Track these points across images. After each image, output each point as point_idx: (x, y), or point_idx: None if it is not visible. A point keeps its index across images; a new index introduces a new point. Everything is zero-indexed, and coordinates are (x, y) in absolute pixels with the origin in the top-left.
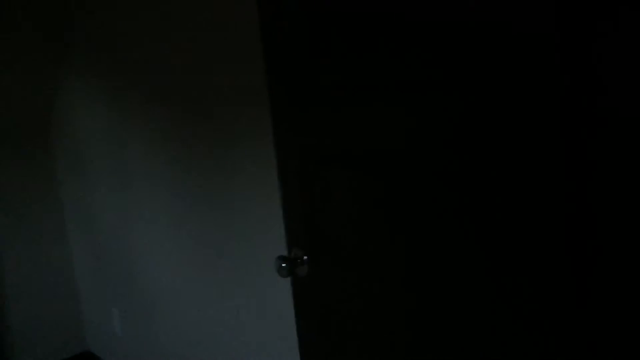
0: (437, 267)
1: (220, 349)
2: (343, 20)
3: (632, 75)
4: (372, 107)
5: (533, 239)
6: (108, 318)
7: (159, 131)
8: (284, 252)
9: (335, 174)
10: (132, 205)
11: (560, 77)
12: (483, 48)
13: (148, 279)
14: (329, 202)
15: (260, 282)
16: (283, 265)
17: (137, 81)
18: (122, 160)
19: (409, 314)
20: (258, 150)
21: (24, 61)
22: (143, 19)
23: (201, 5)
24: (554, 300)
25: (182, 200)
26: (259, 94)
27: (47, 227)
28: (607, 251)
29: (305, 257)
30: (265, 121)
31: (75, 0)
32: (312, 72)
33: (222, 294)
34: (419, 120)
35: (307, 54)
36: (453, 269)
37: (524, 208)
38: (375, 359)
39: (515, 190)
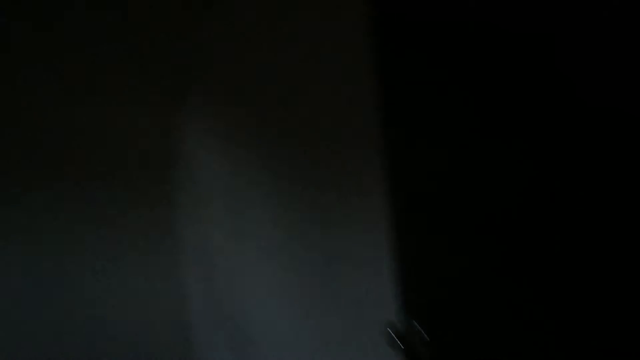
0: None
1: None
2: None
3: None
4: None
5: None
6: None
7: (274, 185)
8: (395, 317)
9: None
10: (244, 251)
11: None
12: None
13: (257, 326)
14: (455, 266)
15: (367, 349)
16: (395, 337)
17: (254, 122)
18: (240, 213)
19: None
20: (369, 201)
21: (157, 106)
22: (263, 68)
23: (317, 51)
24: None
25: (292, 256)
26: (373, 139)
27: (162, 266)
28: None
29: (422, 330)
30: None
31: (205, 53)
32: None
33: (328, 354)
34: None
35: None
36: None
37: None
38: None
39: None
